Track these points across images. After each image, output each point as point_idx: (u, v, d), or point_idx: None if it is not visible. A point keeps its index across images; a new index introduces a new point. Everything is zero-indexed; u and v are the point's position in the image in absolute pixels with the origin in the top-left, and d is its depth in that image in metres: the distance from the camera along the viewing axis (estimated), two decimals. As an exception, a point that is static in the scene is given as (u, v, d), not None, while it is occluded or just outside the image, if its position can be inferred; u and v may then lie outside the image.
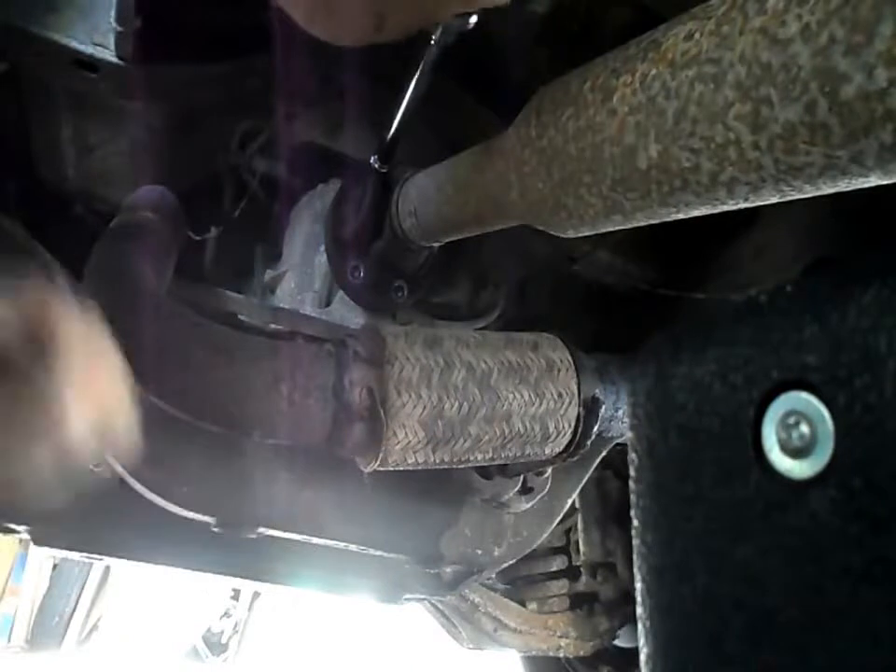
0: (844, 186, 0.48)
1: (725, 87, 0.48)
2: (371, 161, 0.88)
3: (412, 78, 0.76)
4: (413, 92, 0.76)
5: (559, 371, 0.79)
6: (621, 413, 0.85)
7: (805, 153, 0.45)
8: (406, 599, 1.07)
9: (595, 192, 0.60)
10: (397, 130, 0.82)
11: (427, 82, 0.74)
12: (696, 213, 0.57)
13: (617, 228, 0.64)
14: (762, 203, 0.53)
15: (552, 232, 0.69)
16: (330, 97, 0.92)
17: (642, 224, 0.63)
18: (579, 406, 0.79)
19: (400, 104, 0.78)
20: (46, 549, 0.87)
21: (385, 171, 0.87)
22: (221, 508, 0.81)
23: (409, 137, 0.84)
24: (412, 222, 0.84)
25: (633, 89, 0.54)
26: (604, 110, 0.57)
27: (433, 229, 0.83)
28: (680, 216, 0.58)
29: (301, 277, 0.99)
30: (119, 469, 0.79)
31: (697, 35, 0.50)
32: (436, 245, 0.88)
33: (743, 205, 0.54)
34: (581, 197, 0.62)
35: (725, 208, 0.55)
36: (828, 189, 0.49)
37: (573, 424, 0.79)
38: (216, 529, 0.83)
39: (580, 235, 0.68)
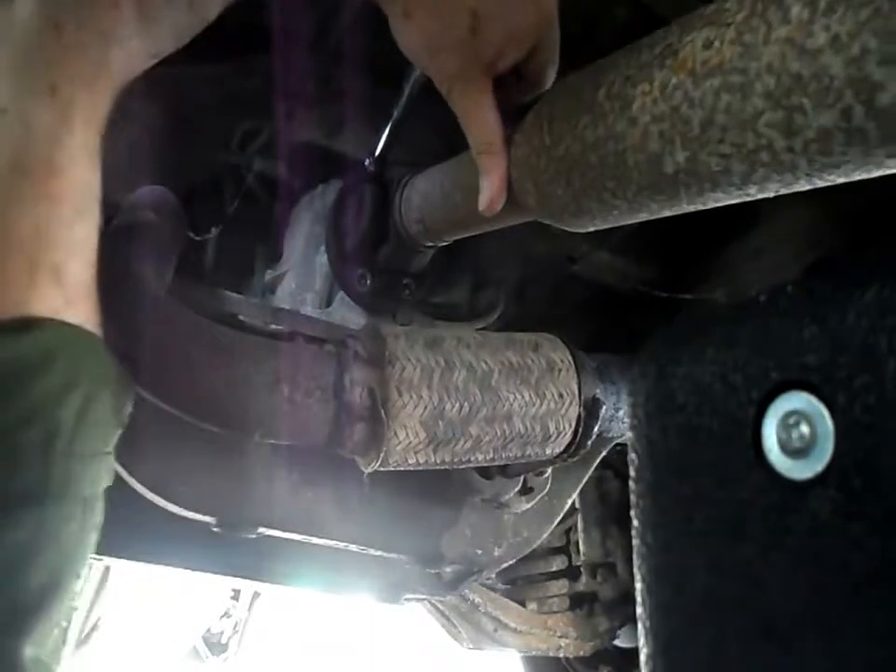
0: (880, 174, 0.47)
1: (754, 96, 0.47)
2: (366, 163, 0.87)
3: (411, 78, 0.76)
4: (410, 92, 0.76)
5: (560, 371, 0.79)
6: (621, 413, 0.85)
7: (842, 153, 0.45)
8: (406, 599, 1.06)
9: (621, 196, 0.59)
10: (394, 132, 0.82)
11: (424, 81, 0.74)
12: (725, 204, 0.57)
13: (641, 221, 0.64)
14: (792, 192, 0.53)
15: (570, 229, 0.68)
16: (330, 97, 0.92)
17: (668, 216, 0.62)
18: (579, 406, 0.79)
19: (400, 104, 0.77)
20: (46, 549, 0.87)
21: (381, 174, 0.87)
22: (221, 508, 0.81)
23: (409, 138, 0.85)
24: (419, 227, 0.83)
25: (653, 98, 0.53)
26: (624, 119, 0.56)
27: (442, 231, 0.83)
28: (709, 206, 0.58)
29: (301, 277, 0.99)
30: (119, 468, 0.79)
31: (717, 44, 0.49)
32: (442, 244, 0.88)
33: (772, 195, 0.53)
34: (604, 201, 0.61)
35: (756, 198, 0.55)
36: (863, 177, 0.48)
37: (574, 424, 0.79)
38: (216, 529, 0.83)
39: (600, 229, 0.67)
